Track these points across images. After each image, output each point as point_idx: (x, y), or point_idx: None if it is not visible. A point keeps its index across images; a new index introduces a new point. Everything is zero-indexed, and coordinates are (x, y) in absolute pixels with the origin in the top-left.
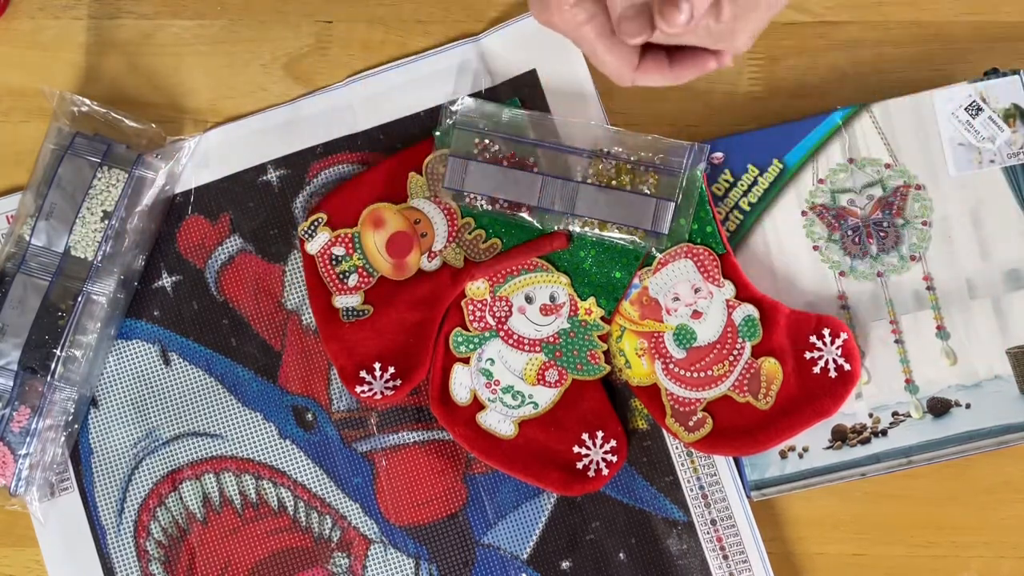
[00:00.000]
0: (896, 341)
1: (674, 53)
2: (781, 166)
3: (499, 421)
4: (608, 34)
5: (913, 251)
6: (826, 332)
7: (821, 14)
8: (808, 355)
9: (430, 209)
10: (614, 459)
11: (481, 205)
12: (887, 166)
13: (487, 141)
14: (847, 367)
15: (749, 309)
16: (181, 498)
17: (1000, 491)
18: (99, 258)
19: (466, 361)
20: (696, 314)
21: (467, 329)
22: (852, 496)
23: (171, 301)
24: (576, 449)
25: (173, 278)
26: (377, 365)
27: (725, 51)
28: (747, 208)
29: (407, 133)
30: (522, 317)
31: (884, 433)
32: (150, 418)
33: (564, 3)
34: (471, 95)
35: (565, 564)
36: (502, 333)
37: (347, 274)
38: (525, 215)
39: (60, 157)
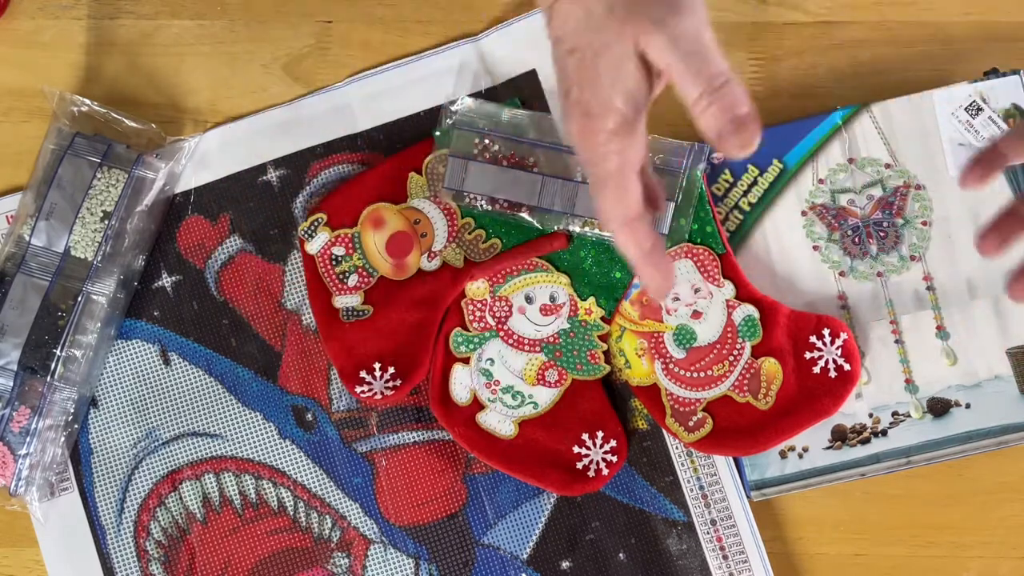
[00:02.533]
0: (896, 341)
1: None
2: (781, 166)
3: (499, 421)
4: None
5: (913, 251)
6: (826, 332)
7: (821, 14)
8: (808, 355)
9: (430, 209)
10: (614, 459)
11: (481, 205)
12: (887, 166)
13: (487, 141)
14: (847, 367)
15: (749, 309)
16: (181, 498)
17: (1000, 491)
18: (99, 258)
19: (466, 361)
20: (696, 314)
21: (467, 329)
22: (852, 496)
23: (171, 301)
24: (576, 449)
25: (173, 278)
26: (377, 365)
27: None
28: (747, 208)
29: (407, 133)
30: (522, 317)
31: (884, 433)
32: (150, 418)
33: (601, 129)
34: (471, 95)
35: (565, 564)
36: (502, 333)
37: (347, 274)
38: (525, 215)
39: (60, 157)
